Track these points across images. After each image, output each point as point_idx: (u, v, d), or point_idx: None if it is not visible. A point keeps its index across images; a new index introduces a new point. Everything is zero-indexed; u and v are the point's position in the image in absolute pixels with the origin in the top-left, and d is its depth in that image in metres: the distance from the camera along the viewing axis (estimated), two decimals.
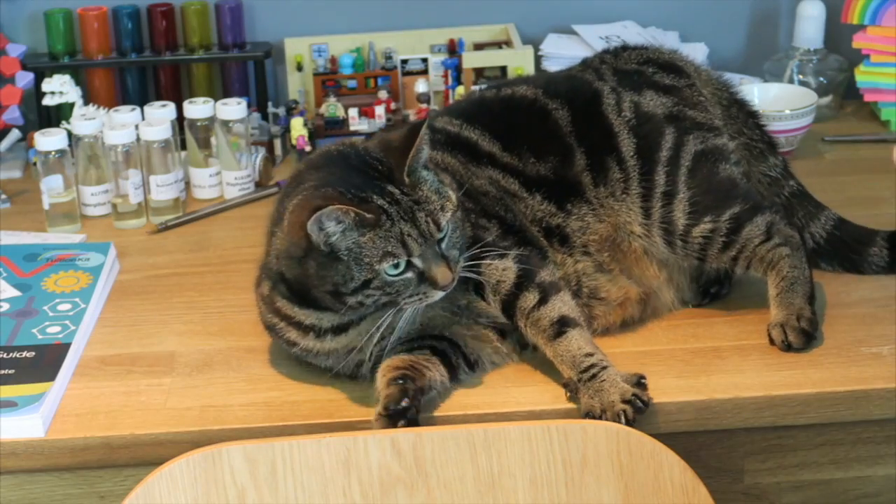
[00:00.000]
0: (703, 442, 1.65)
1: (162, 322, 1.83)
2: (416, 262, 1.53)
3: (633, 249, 1.76)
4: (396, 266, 1.52)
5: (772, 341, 1.70)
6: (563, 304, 1.63)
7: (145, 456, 1.59)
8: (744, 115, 1.91)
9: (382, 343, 1.61)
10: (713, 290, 1.82)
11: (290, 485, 1.45)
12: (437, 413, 1.60)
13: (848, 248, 1.88)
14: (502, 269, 1.64)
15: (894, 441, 1.67)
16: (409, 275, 1.54)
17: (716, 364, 1.67)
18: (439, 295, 1.56)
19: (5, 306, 1.82)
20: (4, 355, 1.70)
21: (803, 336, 1.68)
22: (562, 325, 1.60)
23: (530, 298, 1.62)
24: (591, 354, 1.59)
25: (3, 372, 1.67)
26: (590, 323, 1.70)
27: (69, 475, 1.63)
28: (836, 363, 1.66)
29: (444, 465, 1.46)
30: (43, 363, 1.69)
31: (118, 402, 1.65)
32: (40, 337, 1.75)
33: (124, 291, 1.91)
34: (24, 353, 1.71)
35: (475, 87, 2.30)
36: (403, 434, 1.46)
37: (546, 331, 1.60)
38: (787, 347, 1.68)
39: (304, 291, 1.58)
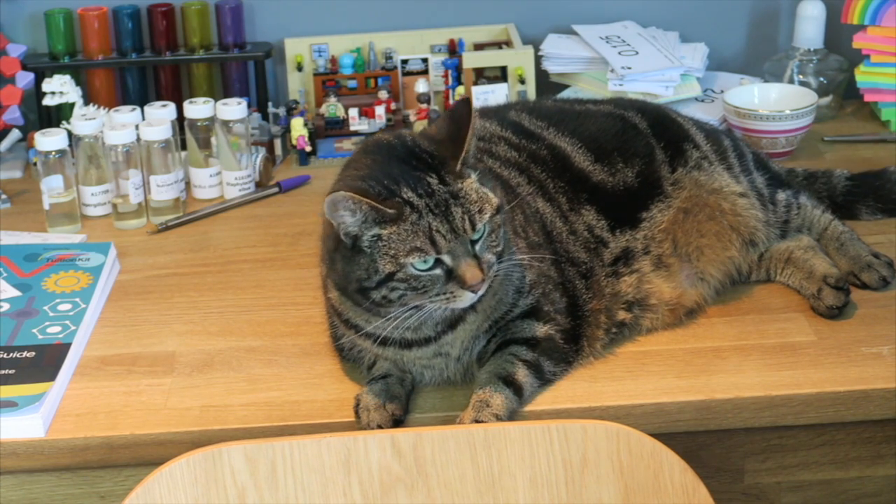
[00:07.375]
0: (703, 442, 1.66)
1: (162, 322, 1.83)
2: (445, 258, 1.50)
3: (724, 212, 1.79)
4: (425, 262, 1.50)
5: (864, 286, 1.81)
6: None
7: (145, 456, 1.59)
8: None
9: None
10: None
11: (290, 485, 1.45)
12: (437, 413, 1.61)
13: (873, 178, 1.99)
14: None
15: (894, 441, 1.67)
16: (437, 271, 1.51)
17: (716, 364, 1.67)
18: (468, 297, 1.52)
19: (5, 306, 1.82)
20: (5, 355, 1.70)
21: (888, 268, 1.82)
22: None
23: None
24: None
25: (3, 372, 1.67)
26: (635, 332, 1.73)
27: (69, 475, 1.63)
28: (836, 363, 1.66)
29: (444, 465, 1.46)
30: (43, 363, 1.69)
31: (118, 402, 1.65)
32: (40, 337, 1.75)
33: (124, 291, 1.91)
34: (25, 353, 1.71)
35: None
36: (403, 434, 1.46)
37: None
38: (884, 284, 1.81)
39: None
